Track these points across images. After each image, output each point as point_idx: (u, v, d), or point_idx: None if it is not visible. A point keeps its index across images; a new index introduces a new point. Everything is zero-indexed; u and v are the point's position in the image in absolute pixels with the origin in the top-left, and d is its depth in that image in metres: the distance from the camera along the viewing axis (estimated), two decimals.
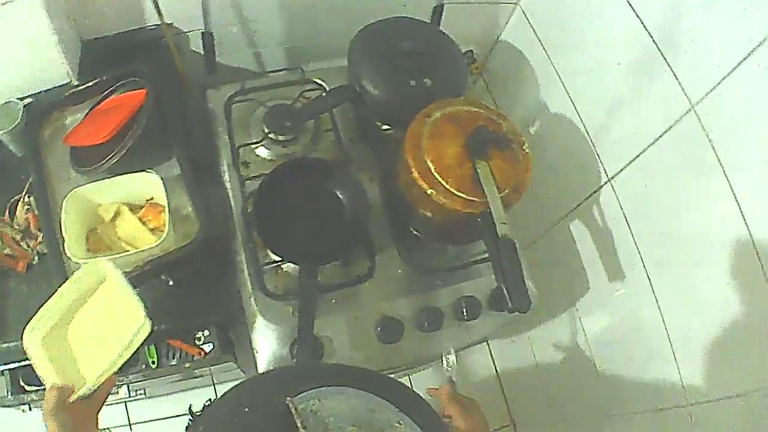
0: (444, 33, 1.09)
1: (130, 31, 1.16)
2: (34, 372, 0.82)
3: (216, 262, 1.06)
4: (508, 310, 0.87)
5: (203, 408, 0.53)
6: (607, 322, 1.24)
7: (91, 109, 1.16)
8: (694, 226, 0.98)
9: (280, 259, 0.98)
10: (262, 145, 1.07)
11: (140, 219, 1.05)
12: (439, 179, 0.91)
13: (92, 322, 0.90)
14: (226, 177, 1.06)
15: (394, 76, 1.01)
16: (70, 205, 1.03)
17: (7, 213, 1.11)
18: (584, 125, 1.17)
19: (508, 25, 1.28)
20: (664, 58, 0.96)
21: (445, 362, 0.96)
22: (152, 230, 1.04)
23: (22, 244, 1.09)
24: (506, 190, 0.93)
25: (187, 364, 1.12)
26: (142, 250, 0.98)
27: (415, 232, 1.02)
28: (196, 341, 1.19)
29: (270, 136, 1.05)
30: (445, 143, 0.94)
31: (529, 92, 1.27)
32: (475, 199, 0.91)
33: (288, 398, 0.44)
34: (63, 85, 1.18)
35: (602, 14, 1.06)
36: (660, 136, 1.02)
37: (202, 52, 1.14)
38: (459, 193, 0.91)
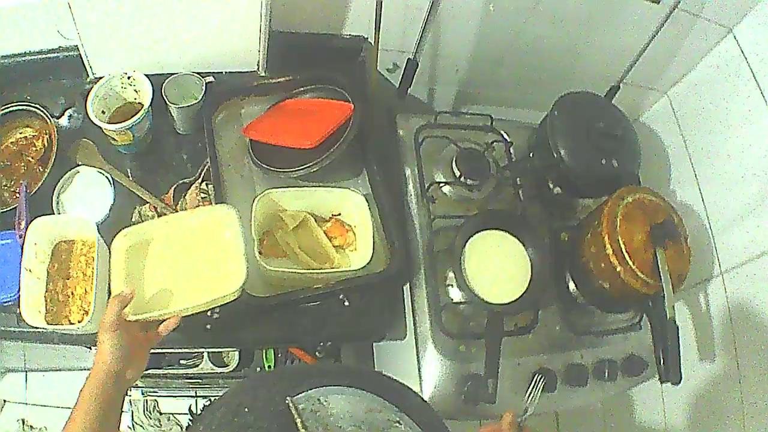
0: (627, 117, 1.18)
1: (325, 35, 1.13)
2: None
3: (391, 290, 1.07)
4: (662, 380, 1.02)
5: (203, 408, 0.54)
6: (686, 401, 1.28)
7: (273, 105, 1.13)
8: None
9: (461, 300, 1.04)
10: (448, 184, 1.11)
11: (326, 234, 1.05)
12: (628, 259, 1.02)
13: (185, 260, 0.85)
14: (413, 209, 1.10)
15: (589, 152, 1.09)
16: (259, 205, 1.01)
17: (171, 195, 1.06)
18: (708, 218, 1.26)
19: (650, 111, 1.39)
20: None
21: (527, 397, 1.05)
22: (336, 248, 1.05)
23: None
24: (673, 279, 1.05)
25: None
26: (347, 270, 0.99)
27: (581, 296, 1.12)
28: (317, 353, 1.20)
29: (461, 179, 1.09)
30: (634, 227, 1.04)
31: (659, 176, 1.35)
32: (652, 281, 1.02)
33: (288, 398, 0.44)
34: (245, 72, 1.13)
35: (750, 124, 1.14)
36: None
37: (388, 76, 1.14)
38: (641, 275, 1.02)
